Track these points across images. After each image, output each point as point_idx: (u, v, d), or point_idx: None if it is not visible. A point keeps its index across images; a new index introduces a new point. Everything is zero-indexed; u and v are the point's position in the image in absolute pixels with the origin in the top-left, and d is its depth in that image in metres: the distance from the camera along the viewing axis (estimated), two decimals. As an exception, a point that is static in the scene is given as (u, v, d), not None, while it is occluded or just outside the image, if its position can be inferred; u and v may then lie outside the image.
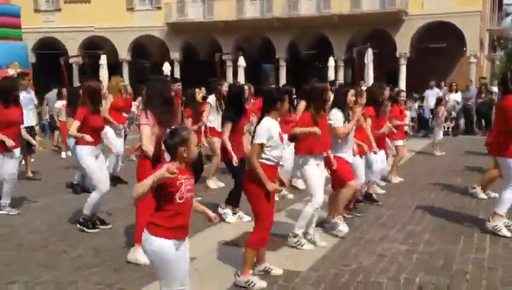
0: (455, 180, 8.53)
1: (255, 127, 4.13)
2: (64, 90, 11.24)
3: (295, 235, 4.96)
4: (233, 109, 6.02)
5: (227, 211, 6.02)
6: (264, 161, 4.01)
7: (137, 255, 4.44)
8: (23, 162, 8.69)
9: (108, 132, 7.56)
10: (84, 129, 5.44)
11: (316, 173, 4.92)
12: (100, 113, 5.74)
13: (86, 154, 5.49)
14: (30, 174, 8.88)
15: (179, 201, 2.89)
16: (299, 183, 7.60)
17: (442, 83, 17.96)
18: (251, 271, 4.07)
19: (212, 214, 3.19)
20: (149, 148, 4.20)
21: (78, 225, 5.56)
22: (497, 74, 30.38)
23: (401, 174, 8.77)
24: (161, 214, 2.92)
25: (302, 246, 4.90)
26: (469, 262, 4.62)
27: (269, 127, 4.02)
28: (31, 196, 7.24)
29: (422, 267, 4.48)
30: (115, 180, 7.89)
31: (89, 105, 5.48)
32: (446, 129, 16.65)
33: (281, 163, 4.27)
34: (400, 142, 8.47)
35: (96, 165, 5.52)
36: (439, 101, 12.37)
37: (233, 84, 9.41)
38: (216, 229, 5.60)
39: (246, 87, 9.01)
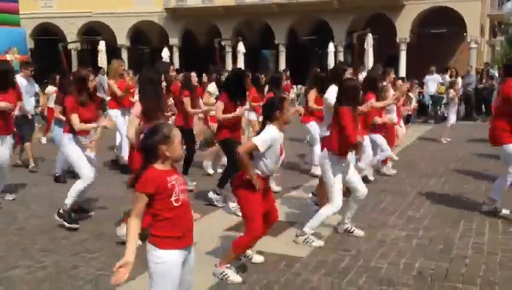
0: (455, 166, 8.54)
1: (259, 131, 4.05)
2: (57, 77, 11.19)
3: (303, 234, 4.78)
4: (233, 91, 5.93)
5: (218, 198, 5.99)
6: (257, 172, 3.93)
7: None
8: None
9: (116, 115, 7.61)
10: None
11: (338, 175, 4.70)
12: (89, 104, 5.35)
13: (70, 142, 5.27)
14: (19, 162, 8.76)
15: (176, 204, 2.64)
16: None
17: (450, 73, 17.40)
18: (228, 264, 4.00)
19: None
20: (131, 136, 4.63)
21: (56, 217, 5.25)
22: (497, 59, 30.26)
23: (401, 160, 8.78)
24: (160, 223, 2.65)
25: (312, 243, 4.71)
26: (468, 247, 4.65)
27: (274, 138, 3.89)
28: (29, 183, 7.26)
29: (421, 252, 4.51)
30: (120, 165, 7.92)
31: (76, 95, 5.24)
32: (446, 115, 16.64)
33: (273, 175, 4.16)
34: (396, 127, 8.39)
35: (79, 154, 5.27)
36: (452, 85, 12.28)
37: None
38: (214, 216, 5.63)
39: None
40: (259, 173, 3.93)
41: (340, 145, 4.65)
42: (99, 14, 27.57)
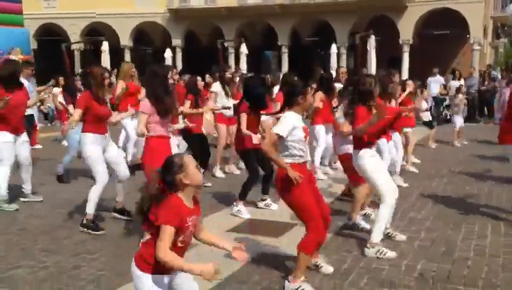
0: (457, 168, 8.52)
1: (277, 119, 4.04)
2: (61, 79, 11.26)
3: (373, 246, 4.46)
4: (250, 101, 5.90)
5: (240, 208, 5.75)
6: (289, 160, 3.80)
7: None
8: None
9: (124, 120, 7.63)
10: (87, 117, 5.13)
11: (377, 167, 4.54)
12: (104, 101, 5.36)
13: (89, 143, 5.17)
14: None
15: (180, 245, 2.56)
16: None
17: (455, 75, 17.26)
18: (303, 277, 3.77)
19: (235, 249, 2.70)
20: (140, 129, 4.65)
21: (81, 228, 5.17)
22: (500, 61, 30.17)
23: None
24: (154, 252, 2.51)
25: (385, 255, 4.39)
26: (470, 249, 4.64)
27: (293, 122, 3.80)
28: (33, 183, 7.26)
29: (423, 254, 4.50)
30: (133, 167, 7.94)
31: (93, 91, 5.15)
32: (448, 117, 16.62)
33: (308, 158, 3.97)
34: (408, 129, 8.20)
35: (99, 154, 5.21)
36: (458, 89, 12.37)
37: (251, 77, 9.34)
38: (217, 216, 5.63)
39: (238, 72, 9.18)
40: (292, 161, 3.82)
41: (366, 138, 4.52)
42: (102, 14, 27.62)
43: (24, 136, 6.20)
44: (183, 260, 2.53)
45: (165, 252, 2.45)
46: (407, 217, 5.70)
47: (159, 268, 2.55)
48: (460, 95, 11.89)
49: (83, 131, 5.25)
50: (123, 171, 5.41)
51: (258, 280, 3.99)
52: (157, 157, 4.02)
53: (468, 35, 23.43)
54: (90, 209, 5.19)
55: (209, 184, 7.11)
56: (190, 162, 2.57)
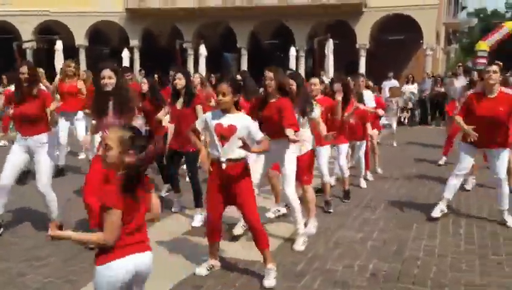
0: (410, 170, 8.75)
1: None
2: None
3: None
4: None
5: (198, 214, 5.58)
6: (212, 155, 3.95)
7: None
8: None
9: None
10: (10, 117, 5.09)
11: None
12: (26, 100, 4.93)
13: (15, 141, 5.08)
14: None
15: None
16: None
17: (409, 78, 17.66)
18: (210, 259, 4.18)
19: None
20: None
21: None
22: (451, 66, 31.27)
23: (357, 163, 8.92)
24: None
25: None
26: (420, 249, 4.77)
27: (205, 118, 3.98)
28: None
29: (375, 254, 4.59)
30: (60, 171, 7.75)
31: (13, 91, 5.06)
32: (403, 120, 17.09)
33: (222, 159, 3.87)
34: (374, 132, 8.32)
35: (9, 155, 5.00)
36: (394, 93, 12.66)
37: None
38: (168, 222, 5.56)
39: (196, 75, 8.99)
40: (212, 156, 3.97)
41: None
42: (56, 13, 26.84)
43: None
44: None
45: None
46: (361, 217, 5.80)
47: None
48: (394, 99, 12.28)
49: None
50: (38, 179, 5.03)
51: (213, 284, 3.95)
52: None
53: (421, 41, 24.16)
54: None
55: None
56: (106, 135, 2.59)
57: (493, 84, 5.29)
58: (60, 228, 2.59)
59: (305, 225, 5.05)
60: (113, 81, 4.66)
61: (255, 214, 3.97)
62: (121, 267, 2.46)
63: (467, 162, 5.62)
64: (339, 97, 5.82)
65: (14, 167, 4.98)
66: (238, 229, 4.99)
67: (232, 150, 3.83)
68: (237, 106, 3.92)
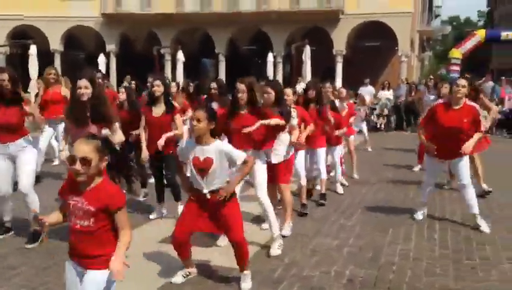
0: (386, 175, 8.87)
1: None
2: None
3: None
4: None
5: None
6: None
7: None
8: None
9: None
10: None
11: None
12: (8, 108, 4.84)
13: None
14: None
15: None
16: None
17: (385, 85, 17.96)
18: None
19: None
20: None
21: None
22: (425, 73, 31.87)
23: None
24: None
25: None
26: (396, 254, 4.83)
27: (183, 148, 3.96)
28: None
29: (352, 260, 4.62)
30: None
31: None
32: (378, 126, 17.33)
33: (205, 191, 3.85)
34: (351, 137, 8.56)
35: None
36: (362, 101, 12.72)
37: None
38: (147, 229, 5.50)
39: (173, 84, 9.02)
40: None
41: None
42: (31, 17, 26.42)
43: None
44: None
45: None
46: (338, 223, 5.85)
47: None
48: (362, 108, 12.45)
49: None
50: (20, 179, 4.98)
51: (190, 291, 3.94)
52: None
53: (396, 48, 24.57)
54: None
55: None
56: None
57: (460, 98, 5.49)
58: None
59: (281, 229, 5.09)
60: (89, 91, 4.64)
61: (241, 235, 3.91)
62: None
63: (433, 176, 5.99)
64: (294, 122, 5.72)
65: (1, 176, 4.92)
66: (223, 241, 4.95)
67: (214, 182, 3.81)
68: (213, 133, 3.85)
